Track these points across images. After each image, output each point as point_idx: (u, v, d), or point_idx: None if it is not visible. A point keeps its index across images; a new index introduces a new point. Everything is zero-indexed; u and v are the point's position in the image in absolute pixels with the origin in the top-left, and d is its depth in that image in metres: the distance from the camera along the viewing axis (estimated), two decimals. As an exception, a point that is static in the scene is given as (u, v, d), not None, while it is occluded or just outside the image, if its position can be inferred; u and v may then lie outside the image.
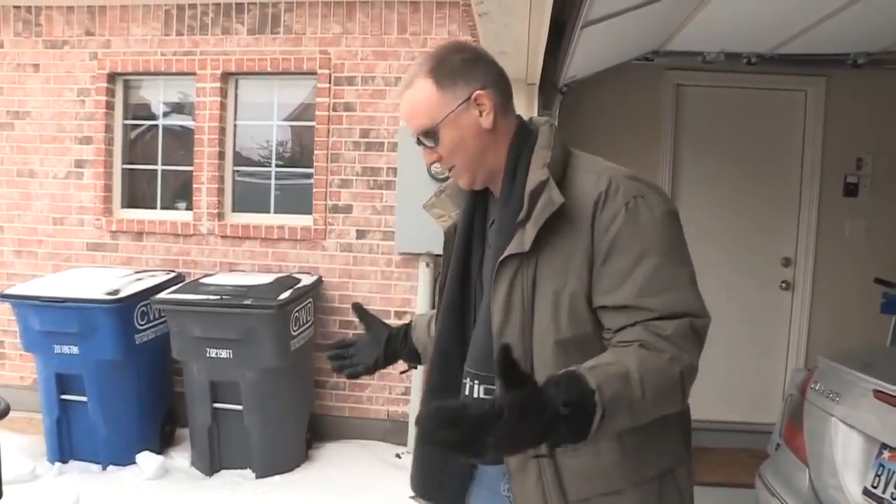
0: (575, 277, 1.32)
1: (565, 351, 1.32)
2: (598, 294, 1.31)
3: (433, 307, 1.74)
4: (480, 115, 1.42)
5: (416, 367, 1.88)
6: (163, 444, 4.42)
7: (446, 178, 1.70)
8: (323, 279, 4.71)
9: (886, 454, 2.25)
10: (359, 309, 1.83)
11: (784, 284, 4.66)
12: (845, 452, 2.42)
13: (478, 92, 1.41)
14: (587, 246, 1.31)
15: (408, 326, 1.82)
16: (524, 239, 1.32)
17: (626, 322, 1.28)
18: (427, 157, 1.47)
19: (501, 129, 1.45)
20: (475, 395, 1.40)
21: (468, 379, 1.42)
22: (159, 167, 5.13)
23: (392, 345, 1.77)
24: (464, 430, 1.01)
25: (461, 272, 1.49)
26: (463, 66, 1.43)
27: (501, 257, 1.34)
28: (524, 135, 1.46)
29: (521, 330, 1.34)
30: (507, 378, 1.03)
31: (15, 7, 5.04)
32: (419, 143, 1.46)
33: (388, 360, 1.78)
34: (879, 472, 2.25)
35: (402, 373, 1.91)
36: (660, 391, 1.21)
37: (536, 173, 1.37)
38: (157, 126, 5.17)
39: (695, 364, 1.27)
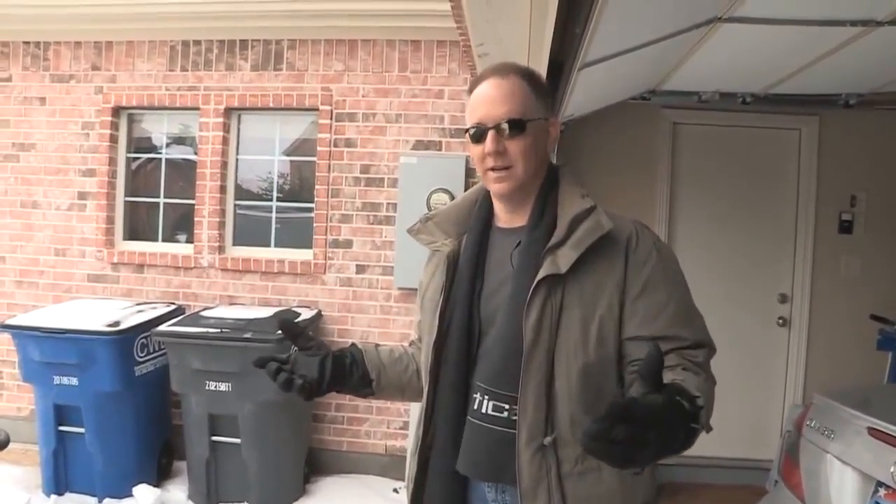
0: (605, 305, 1.41)
1: (590, 374, 1.41)
2: (633, 325, 1.41)
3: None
4: (548, 139, 1.54)
5: (372, 394, 1.68)
6: (160, 477, 4.40)
7: None
8: (322, 313, 4.73)
9: (882, 492, 2.26)
10: (289, 324, 1.59)
11: (781, 321, 4.69)
12: (841, 490, 2.43)
13: (554, 119, 1.55)
14: (620, 277, 1.42)
15: (352, 350, 1.66)
16: (559, 262, 1.40)
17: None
18: (492, 144, 1.46)
19: (548, 160, 1.57)
20: (483, 410, 1.45)
21: (478, 394, 1.46)
22: (161, 200, 5.18)
23: (338, 368, 1.58)
24: (637, 424, 1.01)
25: (468, 295, 1.53)
26: (548, 90, 1.57)
27: (539, 278, 1.40)
28: (553, 171, 1.57)
29: (546, 351, 1.41)
30: (656, 382, 1.08)
31: (24, 42, 5.14)
32: (497, 130, 1.46)
33: (333, 383, 1.58)
34: (875, 510, 2.26)
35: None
36: (709, 408, 1.34)
37: (578, 202, 1.48)
38: (158, 158, 5.23)
39: (714, 387, 1.42)
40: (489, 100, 1.48)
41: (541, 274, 1.40)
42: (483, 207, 1.61)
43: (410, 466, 1.60)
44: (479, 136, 1.48)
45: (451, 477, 1.49)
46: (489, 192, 1.60)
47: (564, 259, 1.40)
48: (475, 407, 1.46)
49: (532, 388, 1.40)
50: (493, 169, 1.49)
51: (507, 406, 1.42)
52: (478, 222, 1.59)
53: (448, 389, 1.51)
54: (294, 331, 1.58)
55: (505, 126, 1.46)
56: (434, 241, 1.62)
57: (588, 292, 1.42)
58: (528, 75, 1.52)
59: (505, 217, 1.58)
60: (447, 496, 1.51)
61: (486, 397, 1.45)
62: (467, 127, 1.52)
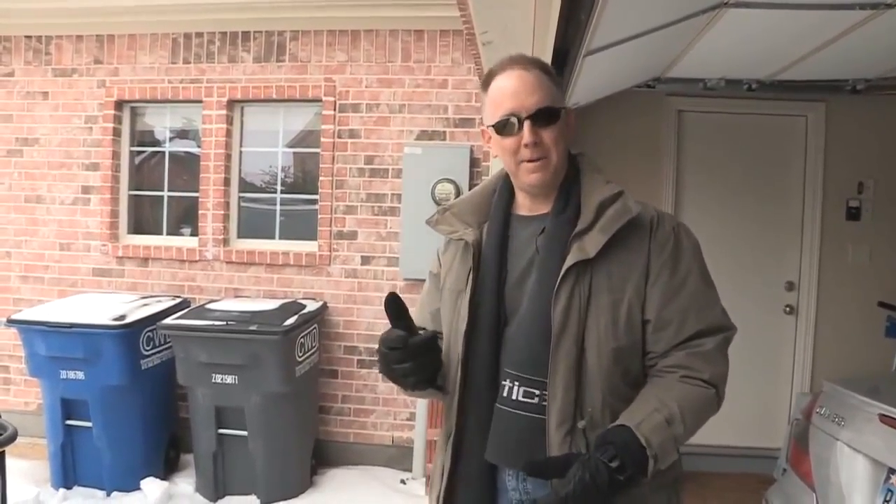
0: (633, 289, 1.43)
1: (621, 358, 1.43)
2: (650, 308, 1.43)
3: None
4: (569, 129, 1.54)
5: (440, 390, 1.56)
6: (167, 470, 4.41)
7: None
8: (328, 305, 4.73)
9: (894, 479, 2.25)
10: (396, 302, 1.48)
11: (788, 308, 4.66)
12: (852, 477, 2.42)
13: (569, 109, 1.55)
14: (645, 261, 1.44)
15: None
16: (586, 247, 1.41)
17: (671, 340, 1.42)
18: (531, 135, 1.44)
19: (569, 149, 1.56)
20: (514, 397, 1.45)
21: (508, 380, 1.46)
22: (165, 193, 5.17)
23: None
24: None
25: (496, 283, 1.52)
26: (561, 81, 1.58)
27: (567, 265, 1.41)
28: (573, 159, 1.57)
29: (575, 336, 1.41)
30: (554, 474, 1.31)
31: (26, 37, 5.13)
32: (532, 119, 1.44)
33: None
34: (888, 498, 2.25)
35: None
36: (699, 417, 1.41)
37: (604, 188, 1.49)
38: (162, 152, 5.22)
39: (727, 370, 1.47)
40: (519, 90, 1.47)
41: (569, 261, 1.41)
42: (503, 196, 1.60)
43: (442, 458, 1.58)
44: (512, 127, 1.46)
45: (483, 466, 1.49)
46: (508, 180, 1.59)
47: (592, 243, 1.41)
48: (504, 394, 1.46)
49: (561, 373, 1.40)
50: (529, 161, 1.47)
51: (537, 392, 1.42)
52: (499, 211, 1.59)
53: (480, 378, 1.50)
54: (399, 310, 1.48)
55: (540, 115, 1.45)
56: (455, 230, 1.61)
57: (616, 277, 1.43)
58: (545, 67, 1.53)
59: (527, 205, 1.57)
60: (479, 486, 1.51)
61: (517, 383, 1.44)
62: (494, 122, 1.49)
